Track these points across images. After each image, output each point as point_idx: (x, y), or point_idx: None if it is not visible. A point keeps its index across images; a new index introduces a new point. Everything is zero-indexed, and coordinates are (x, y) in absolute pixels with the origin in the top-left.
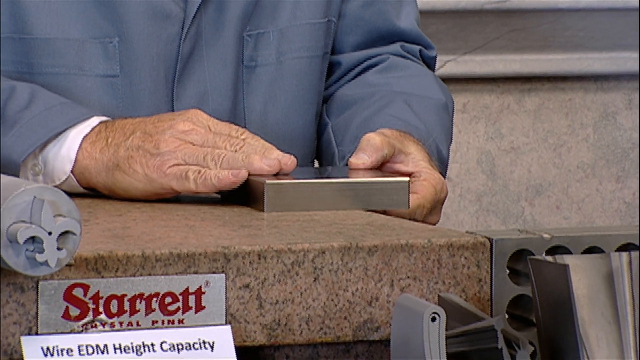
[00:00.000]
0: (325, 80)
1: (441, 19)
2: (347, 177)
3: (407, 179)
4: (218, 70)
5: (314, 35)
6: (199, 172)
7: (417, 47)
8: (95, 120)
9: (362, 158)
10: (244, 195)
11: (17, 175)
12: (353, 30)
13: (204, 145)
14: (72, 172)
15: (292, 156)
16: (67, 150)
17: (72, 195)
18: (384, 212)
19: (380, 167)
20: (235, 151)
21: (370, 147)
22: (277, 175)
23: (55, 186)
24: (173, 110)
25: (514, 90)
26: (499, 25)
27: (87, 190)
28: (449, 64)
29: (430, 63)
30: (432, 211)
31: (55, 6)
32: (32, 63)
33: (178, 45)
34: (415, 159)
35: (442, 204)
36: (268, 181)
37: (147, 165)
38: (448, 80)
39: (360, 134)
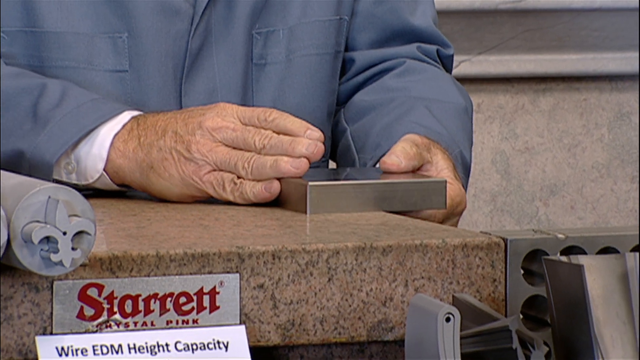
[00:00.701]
0: (339, 78)
1: (455, 19)
2: (382, 179)
3: (444, 179)
4: (227, 68)
5: (324, 32)
6: (235, 183)
7: (434, 47)
8: (126, 116)
9: (396, 161)
10: (283, 195)
11: (50, 175)
12: (365, 28)
13: (234, 144)
14: (105, 170)
15: (317, 143)
16: (98, 149)
17: (86, 195)
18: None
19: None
20: (264, 146)
21: (404, 154)
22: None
23: (89, 184)
24: (181, 107)
25: (529, 91)
26: (514, 25)
27: (122, 188)
28: (464, 64)
29: (447, 62)
30: (445, 222)
31: (66, 1)
32: (43, 57)
33: (187, 41)
34: (440, 168)
35: (459, 216)
36: (311, 183)
37: (183, 170)
38: (462, 80)
39: (382, 141)
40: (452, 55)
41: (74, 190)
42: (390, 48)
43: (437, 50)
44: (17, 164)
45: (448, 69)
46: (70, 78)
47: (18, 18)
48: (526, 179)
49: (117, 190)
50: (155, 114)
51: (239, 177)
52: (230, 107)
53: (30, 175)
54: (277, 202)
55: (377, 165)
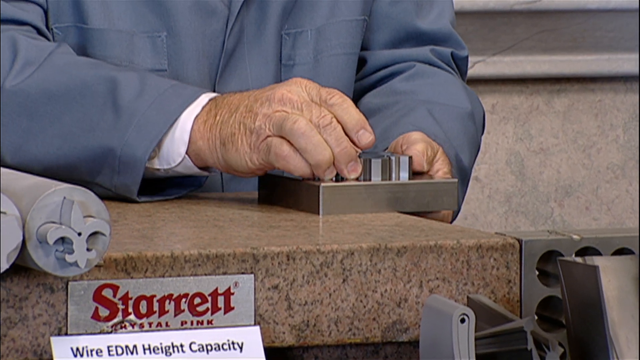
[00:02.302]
0: None
1: (470, 20)
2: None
3: (455, 180)
4: (259, 68)
5: (350, 32)
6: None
7: (448, 50)
8: (204, 99)
9: (421, 162)
10: (294, 196)
11: (141, 170)
12: (380, 28)
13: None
14: (187, 153)
15: (357, 164)
16: (180, 133)
17: (101, 196)
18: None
19: None
20: (318, 125)
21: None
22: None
23: (171, 168)
24: None
25: (543, 91)
26: (529, 26)
27: (203, 171)
28: (478, 65)
29: (461, 64)
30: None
31: None
32: (89, 53)
33: (222, 41)
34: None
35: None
36: (323, 184)
37: (248, 141)
38: (477, 81)
39: (380, 144)
40: (467, 57)
41: (89, 191)
42: (403, 50)
43: (452, 53)
44: (103, 160)
45: (463, 71)
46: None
47: (69, 14)
48: (541, 180)
49: (197, 174)
50: (232, 93)
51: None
52: (302, 82)
53: (117, 172)
54: (288, 203)
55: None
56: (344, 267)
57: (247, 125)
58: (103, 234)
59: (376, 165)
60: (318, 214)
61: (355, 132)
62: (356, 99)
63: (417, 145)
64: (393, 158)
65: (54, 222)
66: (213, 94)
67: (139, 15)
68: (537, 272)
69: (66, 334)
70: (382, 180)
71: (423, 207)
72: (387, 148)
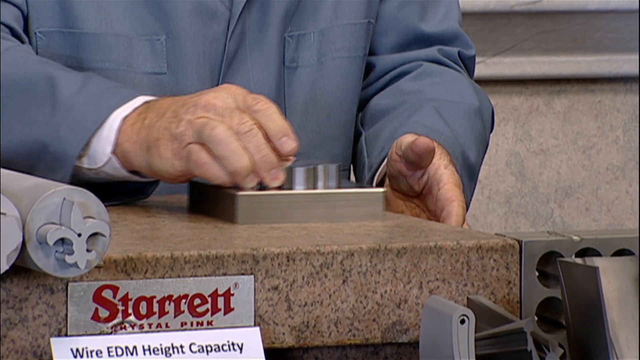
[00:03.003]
0: None
1: (470, 21)
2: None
3: (383, 189)
4: (261, 71)
5: (354, 35)
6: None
7: (455, 49)
8: (139, 100)
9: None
10: (216, 205)
11: (71, 167)
12: (388, 32)
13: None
14: (114, 154)
15: (279, 173)
16: (107, 132)
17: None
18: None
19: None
20: (238, 132)
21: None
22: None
23: (99, 169)
24: None
25: (543, 92)
26: (529, 26)
27: (132, 175)
28: (478, 66)
29: (468, 63)
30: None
31: (104, 2)
32: (81, 58)
33: (223, 44)
34: (435, 161)
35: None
36: (240, 193)
37: (171, 148)
38: (477, 82)
39: (386, 145)
40: (474, 56)
41: (89, 192)
42: (411, 52)
43: (459, 52)
44: (38, 155)
45: (470, 70)
46: (111, 79)
47: (55, 18)
48: (541, 181)
49: (127, 179)
50: (166, 97)
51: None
52: (230, 88)
53: (51, 168)
54: (211, 212)
55: (384, 164)
56: (344, 268)
57: (171, 130)
58: (103, 235)
59: (299, 173)
60: (236, 223)
61: (278, 139)
62: (365, 104)
63: (407, 137)
64: (320, 167)
65: (54, 223)
66: (150, 97)
67: (138, 18)
68: (537, 273)
69: (66, 335)
70: (307, 189)
71: (346, 217)
72: (386, 155)
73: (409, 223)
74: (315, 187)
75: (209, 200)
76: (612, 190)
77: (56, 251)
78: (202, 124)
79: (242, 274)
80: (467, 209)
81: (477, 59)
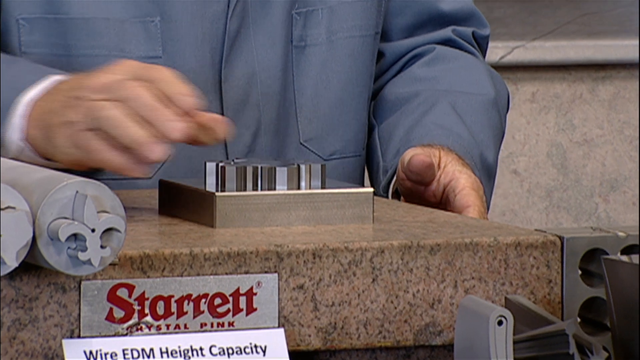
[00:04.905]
0: None
1: (508, 3)
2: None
3: (371, 189)
4: (266, 50)
5: (365, 13)
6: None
7: (469, 30)
8: (50, 81)
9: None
10: (189, 206)
11: None
12: (402, 12)
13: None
14: (27, 141)
15: (165, 152)
16: (18, 118)
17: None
18: None
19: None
20: (128, 101)
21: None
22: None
23: (18, 158)
24: (221, 93)
25: (587, 79)
26: (571, 8)
27: (49, 161)
28: (517, 51)
29: (482, 43)
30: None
31: None
32: (69, 45)
33: (224, 24)
34: (447, 169)
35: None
36: (218, 193)
37: (67, 135)
38: (516, 67)
39: (402, 148)
40: (488, 36)
41: (103, 185)
42: (422, 35)
43: (473, 32)
44: None
45: (484, 50)
46: (101, 66)
47: (38, 4)
48: (584, 173)
49: (46, 165)
50: (72, 76)
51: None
52: (125, 63)
53: None
54: (185, 214)
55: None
56: (373, 266)
57: (65, 117)
58: (118, 231)
59: (281, 173)
60: (213, 226)
61: (176, 98)
62: (377, 93)
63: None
64: (303, 166)
65: (66, 218)
66: (60, 77)
67: (130, 0)
68: (579, 272)
69: (79, 337)
70: (289, 189)
71: (333, 220)
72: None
73: (443, 218)
74: (298, 188)
75: (181, 201)
76: None
77: (68, 247)
78: (91, 107)
79: (266, 272)
80: (488, 209)
81: (516, 43)
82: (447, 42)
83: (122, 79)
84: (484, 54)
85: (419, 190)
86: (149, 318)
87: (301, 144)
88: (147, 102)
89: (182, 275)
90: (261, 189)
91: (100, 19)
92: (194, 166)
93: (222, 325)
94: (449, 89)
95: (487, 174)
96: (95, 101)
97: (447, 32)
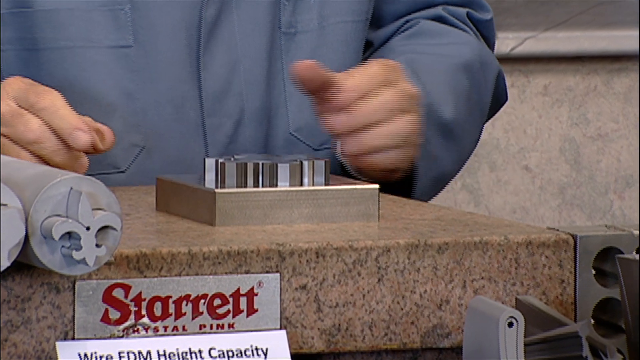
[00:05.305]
0: None
1: None
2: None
3: (376, 186)
4: (250, 37)
5: None
6: None
7: (463, 10)
8: None
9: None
10: (189, 204)
11: None
12: None
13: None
14: None
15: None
16: None
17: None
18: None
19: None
20: (34, 142)
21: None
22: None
23: None
24: (200, 82)
25: (602, 71)
26: None
27: None
28: (529, 42)
29: (482, 27)
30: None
31: None
32: (36, 39)
33: (200, 9)
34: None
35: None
36: (218, 190)
37: None
38: (527, 59)
39: None
40: (491, 20)
41: (98, 182)
42: (410, 16)
43: (469, 13)
44: None
45: (485, 35)
46: (68, 59)
47: (6, 0)
48: (599, 169)
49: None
50: None
51: None
52: (13, 84)
53: None
54: (184, 211)
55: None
56: (379, 266)
57: None
58: (114, 229)
59: (283, 169)
60: (213, 224)
61: (69, 135)
62: None
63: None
64: (306, 162)
65: (60, 216)
66: None
67: None
68: (593, 272)
69: (73, 339)
70: (291, 186)
71: (340, 218)
72: None
73: (451, 216)
74: (301, 184)
75: (181, 199)
76: None
77: (62, 246)
78: None
79: (267, 272)
80: (427, 154)
81: (528, 34)
82: (436, 19)
83: (14, 109)
84: (488, 40)
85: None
86: (145, 319)
87: (290, 134)
88: (47, 145)
89: (180, 275)
90: (262, 186)
91: (64, 10)
92: (170, 158)
93: (222, 327)
94: (419, 52)
95: (441, 130)
96: None
97: (437, 10)
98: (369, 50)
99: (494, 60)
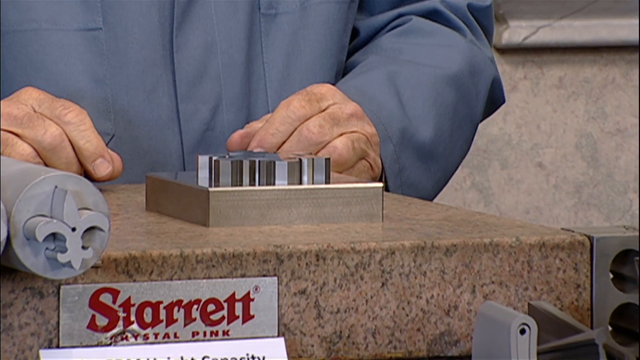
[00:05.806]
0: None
1: None
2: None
3: (380, 184)
4: (228, 19)
5: None
6: None
7: (463, 2)
8: None
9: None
10: (180, 203)
11: None
12: None
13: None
14: None
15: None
16: None
17: (99, 185)
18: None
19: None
20: (49, 148)
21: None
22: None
23: None
24: (173, 64)
25: (620, 62)
26: None
27: None
28: (543, 31)
29: (479, 16)
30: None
31: None
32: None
33: None
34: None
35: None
36: (212, 189)
37: None
38: (541, 49)
39: None
40: (489, 7)
41: (84, 180)
42: (404, 7)
43: (469, 5)
44: None
45: (484, 25)
46: (32, 42)
47: None
48: (617, 167)
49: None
50: None
51: None
52: (33, 93)
53: None
54: (175, 211)
55: None
56: (383, 269)
57: None
58: (101, 230)
59: (281, 167)
60: (206, 225)
61: (92, 162)
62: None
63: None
64: (305, 160)
65: (44, 216)
66: None
67: None
68: (611, 275)
69: (58, 347)
70: (290, 184)
71: (342, 218)
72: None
73: (460, 216)
74: (300, 183)
75: (172, 198)
76: None
77: (46, 248)
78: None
79: (264, 276)
80: (410, 180)
81: (542, 22)
82: (430, 14)
83: (31, 113)
84: (485, 30)
85: None
86: (135, 326)
87: None
88: (65, 155)
89: (171, 279)
90: (259, 184)
91: None
92: (142, 147)
93: (216, 334)
94: (406, 59)
95: (415, 152)
96: (4, 131)
97: (433, 2)
98: (355, 39)
99: (487, 66)
